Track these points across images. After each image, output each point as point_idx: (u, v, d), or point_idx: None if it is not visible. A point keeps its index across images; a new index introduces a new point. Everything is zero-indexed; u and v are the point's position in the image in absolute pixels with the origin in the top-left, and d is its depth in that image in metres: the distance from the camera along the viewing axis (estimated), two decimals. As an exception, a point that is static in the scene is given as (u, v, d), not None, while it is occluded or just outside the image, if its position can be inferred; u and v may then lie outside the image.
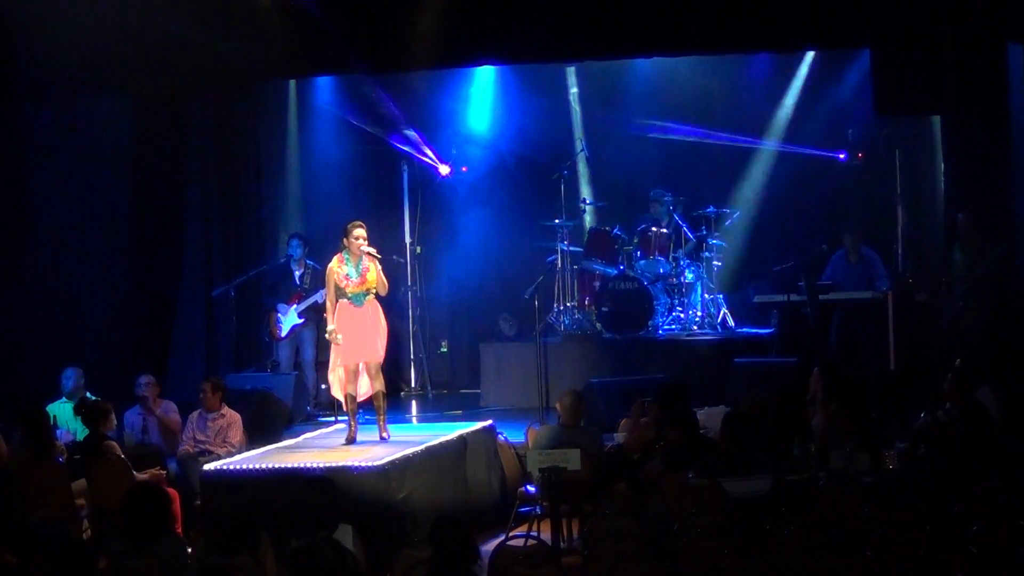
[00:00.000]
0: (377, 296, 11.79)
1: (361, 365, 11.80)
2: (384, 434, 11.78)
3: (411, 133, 16.75)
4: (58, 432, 11.96)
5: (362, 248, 11.67)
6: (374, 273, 11.68)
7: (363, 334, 11.69)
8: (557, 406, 11.54)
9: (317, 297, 14.90)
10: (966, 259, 13.90)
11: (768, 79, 16.57)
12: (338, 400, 12.21)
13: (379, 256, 11.77)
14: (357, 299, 11.69)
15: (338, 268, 11.70)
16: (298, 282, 15.12)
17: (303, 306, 15.01)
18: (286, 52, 14.11)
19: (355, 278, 11.67)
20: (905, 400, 12.17)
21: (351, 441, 11.75)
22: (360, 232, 11.73)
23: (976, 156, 13.83)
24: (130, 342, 15.19)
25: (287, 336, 15.09)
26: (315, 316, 15.10)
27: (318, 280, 14.94)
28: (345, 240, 11.74)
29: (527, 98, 16.94)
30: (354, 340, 11.69)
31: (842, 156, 16.08)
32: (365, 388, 11.84)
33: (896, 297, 14.35)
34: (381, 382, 11.77)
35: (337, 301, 11.70)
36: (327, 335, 11.87)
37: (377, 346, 11.74)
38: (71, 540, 9.23)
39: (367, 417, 12.58)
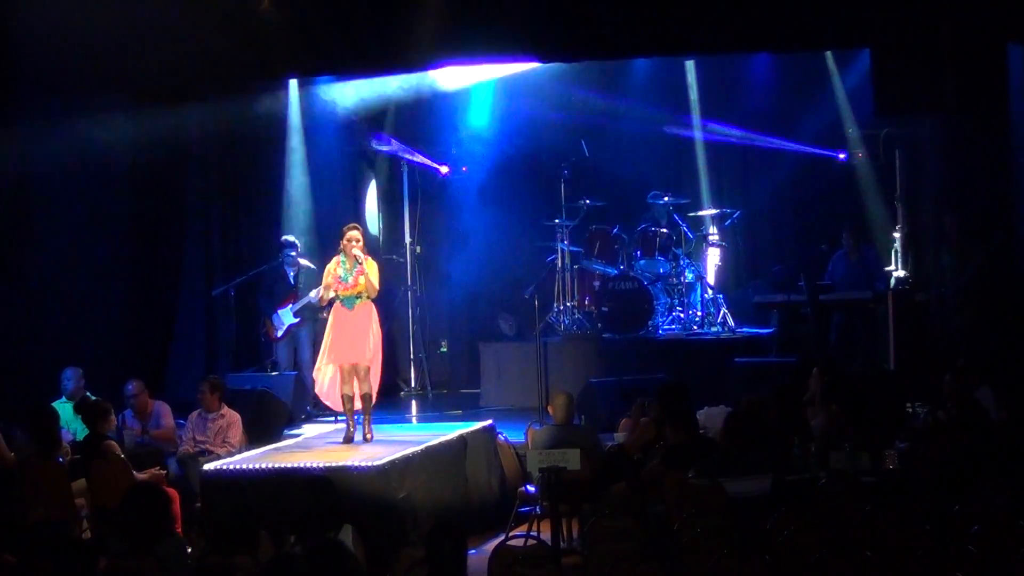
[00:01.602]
0: (374, 301, 11.87)
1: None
2: (368, 435, 11.79)
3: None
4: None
5: (352, 250, 11.69)
6: (364, 277, 11.67)
7: (353, 336, 11.73)
8: (549, 409, 11.57)
9: (310, 299, 14.92)
10: (954, 260, 13.89)
11: (768, 79, 16.57)
12: (319, 398, 12.35)
13: (362, 260, 11.72)
14: (348, 302, 11.76)
15: (334, 269, 11.76)
16: (292, 282, 15.13)
17: (298, 306, 15.01)
18: (286, 52, 14.11)
19: (347, 281, 11.71)
20: (905, 400, 12.17)
21: (349, 440, 11.78)
22: (352, 234, 11.78)
23: (976, 156, 13.82)
24: (130, 342, 15.18)
25: (283, 336, 15.08)
26: (311, 316, 15.12)
27: (312, 280, 14.98)
28: (341, 242, 11.77)
29: (527, 97, 16.92)
30: (345, 341, 11.74)
31: (842, 156, 16.08)
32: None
33: (896, 297, 14.35)
34: (369, 385, 11.79)
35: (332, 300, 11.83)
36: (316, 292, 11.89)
37: (365, 349, 11.74)
38: (71, 540, 9.22)
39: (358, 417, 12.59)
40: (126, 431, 12.37)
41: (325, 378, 11.95)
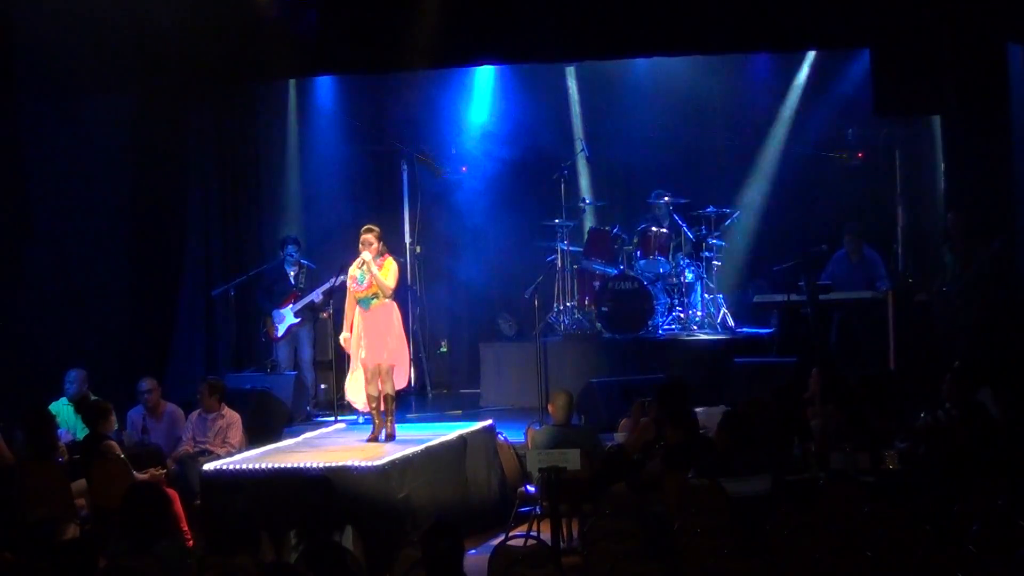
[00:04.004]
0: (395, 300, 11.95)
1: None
2: (389, 433, 11.81)
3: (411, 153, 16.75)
4: (58, 432, 11.93)
5: (362, 254, 11.73)
6: (376, 279, 11.69)
7: (372, 337, 11.78)
8: (549, 408, 11.58)
9: (313, 296, 14.93)
10: (957, 259, 13.88)
11: (768, 79, 16.58)
12: (351, 403, 12.38)
13: (369, 261, 11.73)
14: (364, 303, 11.81)
15: (353, 272, 11.80)
16: (293, 282, 15.13)
17: (299, 306, 15.02)
18: (286, 52, 14.12)
19: (362, 283, 11.74)
20: (905, 400, 12.17)
21: (375, 439, 11.81)
22: (365, 236, 11.82)
23: (976, 156, 13.82)
24: (130, 342, 15.17)
25: (284, 336, 15.09)
26: (311, 316, 15.12)
27: (313, 280, 15.00)
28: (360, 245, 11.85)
29: (527, 98, 16.95)
30: (365, 343, 11.79)
31: (842, 156, 16.08)
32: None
33: (896, 297, 14.34)
34: (390, 385, 11.82)
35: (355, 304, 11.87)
36: (341, 340, 12.05)
37: (382, 350, 11.76)
38: (71, 540, 9.22)
39: (366, 417, 12.59)
40: (125, 434, 12.37)
41: (353, 382, 12.01)
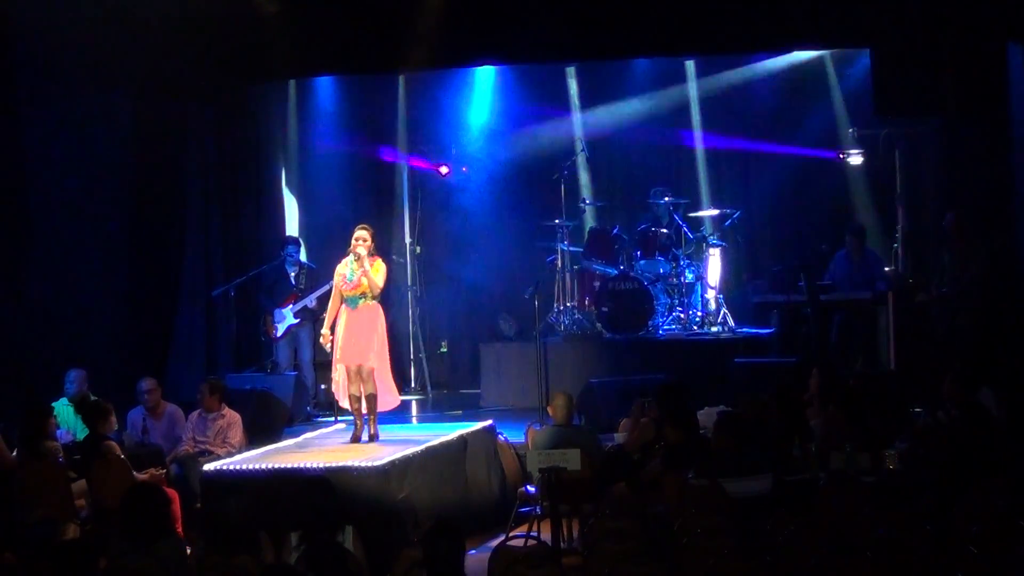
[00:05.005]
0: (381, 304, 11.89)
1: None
2: (373, 434, 11.79)
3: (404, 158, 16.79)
4: (58, 432, 11.94)
5: (357, 249, 11.71)
6: (367, 277, 11.67)
7: (357, 337, 11.74)
8: (549, 410, 11.58)
9: (307, 301, 14.92)
10: (955, 259, 13.89)
11: (769, 78, 16.59)
12: (338, 401, 12.28)
13: (363, 257, 11.72)
14: (351, 302, 11.77)
15: (342, 270, 11.77)
16: (293, 282, 15.13)
17: (299, 306, 15.01)
18: (286, 52, 14.12)
19: (351, 281, 11.72)
20: (905, 400, 12.16)
21: (356, 440, 11.78)
22: (359, 234, 11.78)
23: (975, 156, 13.82)
24: (130, 342, 15.17)
25: (283, 336, 15.08)
26: (311, 316, 15.11)
27: (313, 280, 14.99)
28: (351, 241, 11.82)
29: (527, 98, 16.95)
30: (350, 342, 11.75)
31: (842, 156, 16.08)
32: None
33: (896, 297, 14.35)
34: (372, 386, 11.76)
35: (341, 303, 11.81)
36: (320, 338, 12.02)
37: (368, 351, 11.74)
38: (71, 540, 9.22)
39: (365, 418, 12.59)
40: (125, 434, 12.36)
41: (339, 377, 11.97)
